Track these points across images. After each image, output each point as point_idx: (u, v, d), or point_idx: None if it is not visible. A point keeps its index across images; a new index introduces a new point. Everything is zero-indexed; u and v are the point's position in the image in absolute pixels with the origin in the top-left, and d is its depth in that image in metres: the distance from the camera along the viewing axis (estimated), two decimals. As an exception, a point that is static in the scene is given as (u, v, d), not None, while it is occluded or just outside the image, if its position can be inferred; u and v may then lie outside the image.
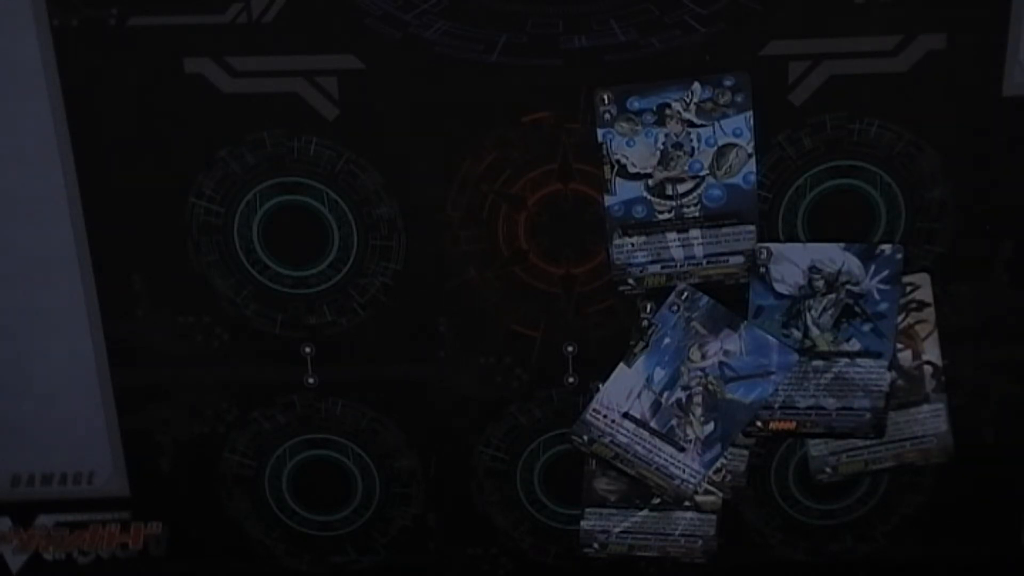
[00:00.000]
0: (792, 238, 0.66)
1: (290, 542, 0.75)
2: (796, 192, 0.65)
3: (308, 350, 0.69)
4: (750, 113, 0.63)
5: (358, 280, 0.68)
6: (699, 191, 0.64)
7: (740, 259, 0.65)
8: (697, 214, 0.65)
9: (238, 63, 0.63)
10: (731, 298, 0.66)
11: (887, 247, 0.65)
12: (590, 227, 0.66)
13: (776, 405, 0.67)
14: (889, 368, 0.66)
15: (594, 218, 0.65)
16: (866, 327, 0.65)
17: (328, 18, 0.62)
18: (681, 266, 0.66)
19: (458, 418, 0.71)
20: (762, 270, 0.65)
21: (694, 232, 0.65)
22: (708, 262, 0.65)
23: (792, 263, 0.65)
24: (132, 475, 0.73)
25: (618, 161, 0.64)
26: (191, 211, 0.66)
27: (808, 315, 0.65)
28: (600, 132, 0.63)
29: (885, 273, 0.65)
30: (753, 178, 0.64)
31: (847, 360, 0.66)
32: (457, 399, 0.70)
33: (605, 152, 0.64)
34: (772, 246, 0.65)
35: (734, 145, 0.63)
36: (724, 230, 0.65)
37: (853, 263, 0.65)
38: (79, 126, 0.64)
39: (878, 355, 0.65)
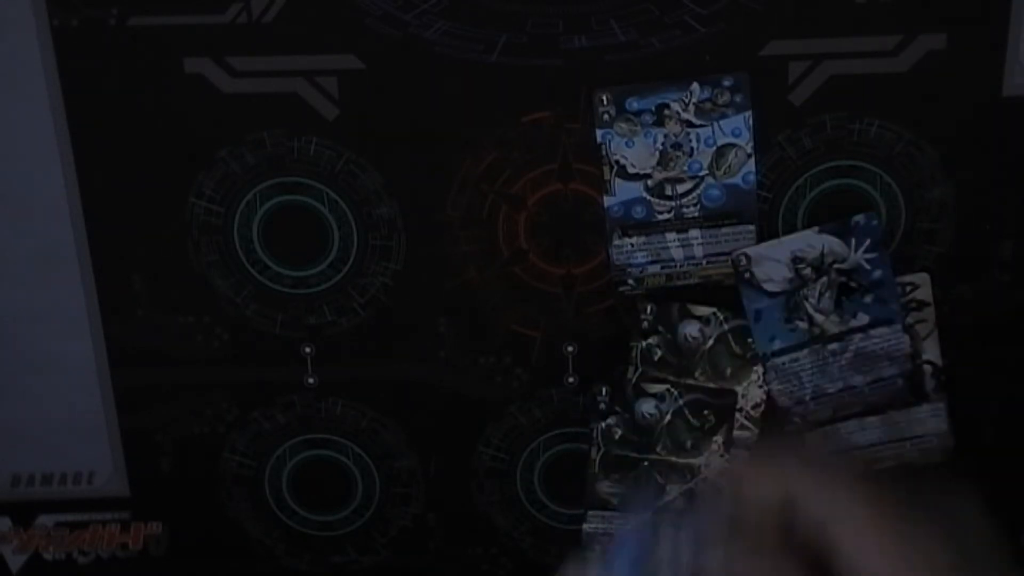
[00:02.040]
0: (792, 238, 0.66)
1: (290, 542, 0.75)
2: (796, 192, 0.65)
3: (308, 350, 0.69)
4: (749, 113, 0.63)
5: (358, 280, 0.68)
6: (698, 191, 0.64)
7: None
8: (696, 214, 0.65)
9: (238, 63, 0.63)
10: (731, 298, 0.66)
11: (860, 217, 0.64)
12: (590, 227, 0.66)
13: (807, 398, 0.67)
14: (904, 330, 0.66)
15: (594, 218, 0.65)
16: (868, 298, 0.65)
17: (328, 18, 0.62)
18: (681, 266, 0.66)
19: (458, 418, 0.71)
20: (747, 275, 0.65)
21: (693, 232, 0.65)
22: (708, 262, 0.66)
23: (774, 260, 0.65)
24: (132, 475, 0.73)
25: (617, 162, 0.64)
26: (191, 211, 0.66)
27: (807, 304, 0.65)
28: (599, 133, 0.63)
29: (867, 242, 0.64)
30: (752, 178, 0.64)
31: (861, 335, 0.65)
32: (457, 399, 0.70)
33: (604, 153, 0.64)
34: (749, 250, 0.65)
35: (733, 145, 0.63)
36: (724, 230, 0.65)
37: (833, 243, 0.65)
38: (79, 126, 0.64)
39: (889, 321, 0.65)
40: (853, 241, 0.64)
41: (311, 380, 0.70)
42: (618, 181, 0.64)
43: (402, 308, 0.68)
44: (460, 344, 0.69)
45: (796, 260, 0.65)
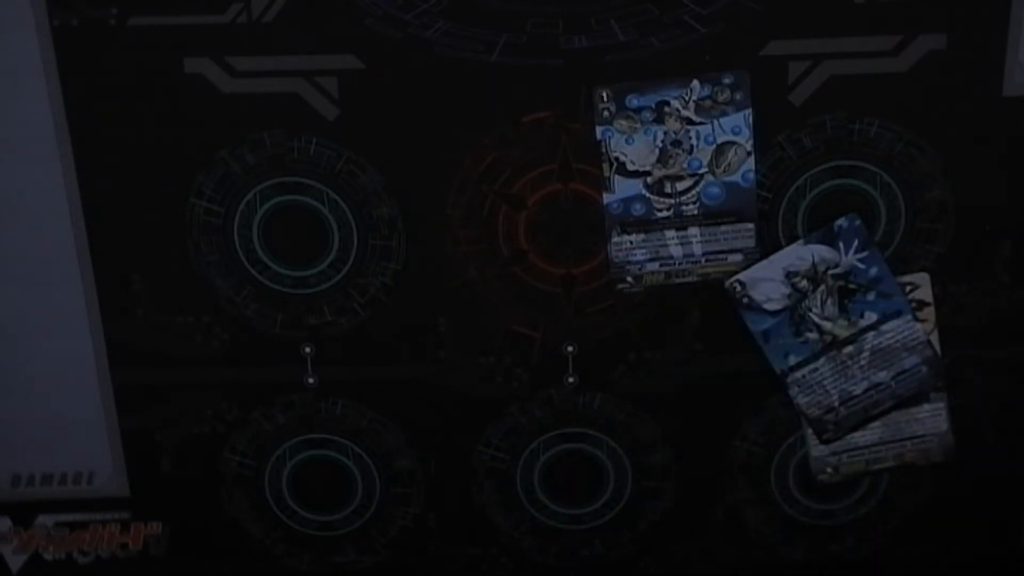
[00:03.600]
0: (792, 239, 0.66)
1: (290, 542, 0.75)
2: (796, 192, 0.65)
3: (308, 350, 0.69)
4: (749, 111, 0.63)
5: (358, 280, 0.68)
6: (698, 189, 0.64)
7: (739, 257, 0.65)
8: (696, 212, 0.65)
9: (238, 63, 0.63)
10: (731, 302, 0.66)
11: (841, 221, 0.64)
12: (590, 227, 0.66)
13: (836, 404, 0.67)
14: (915, 319, 0.65)
15: (594, 218, 0.65)
16: (870, 296, 0.65)
17: (328, 18, 0.62)
18: (680, 264, 0.66)
19: (458, 418, 0.71)
20: (745, 300, 0.65)
21: (693, 230, 0.65)
22: (707, 260, 0.65)
23: (768, 280, 0.65)
24: (132, 475, 0.73)
25: (617, 159, 0.64)
26: (191, 211, 0.66)
27: (812, 315, 0.65)
28: (599, 130, 0.63)
29: (855, 243, 0.64)
30: (752, 176, 0.64)
31: (873, 332, 0.65)
32: (457, 399, 0.70)
33: (604, 150, 0.64)
34: (742, 276, 0.65)
35: (733, 143, 0.63)
36: (723, 228, 0.65)
37: (822, 251, 0.65)
38: (79, 126, 0.64)
39: (898, 313, 0.65)
40: (841, 245, 0.64)
41: (311, 380, 0.70)
42: (618, 178, 0.64)
43: (402, 308, 0.68)
44: (460, 344, 0.69)
45: (790, 275, 0.65)
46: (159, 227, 0.67)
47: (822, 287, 0.65)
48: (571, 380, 0.70)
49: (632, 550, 0.75)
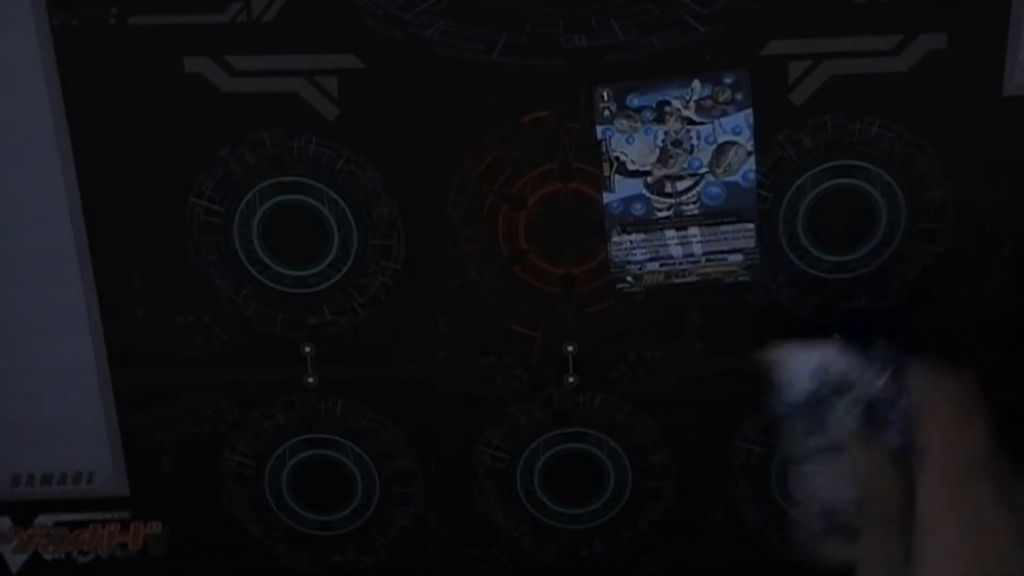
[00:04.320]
0: (792, 238, 0.66)
1: (290, 542, 0.75)
2: (796, 192, 0.65)
3: (308, 350, 0.69)
4: (750, 111, 0.63)
5: (358, 280, 0.68)
6: (698, 189, 0.64)
7: (739, 257, 0.66)
8: (696, 212, 0.65)
9: (238, 63, 0.63)
10: (728, 299, 0.66)
11: (873, 351, 0.61)
12: (590, 227, 0.66)
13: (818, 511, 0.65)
14: None
15: (594, 218, 0.65)
16: (892, 431, 0.61)
17: (328, 18, 0.62)
18: (680, 264, 0.66)
19: (458, 418, 0.71)
20: (777, 379, 0.62)
21: (693, 230, 0.65)
22: (707, 260, 0.66)
23: (797, 372, 0.62)
24: (132, 475, 0.73)
25: (617, 158, 0.64)
26: (191, 211, 0.66)
27: (829, 420, 0.62)
28: (599, 129, 0.63)
29: (886, 373, 0.60)
30: (752, 176, 0.64)
31: None
32: (457, 399, 0.70)
33: (604, 149, 0.64)
34: (777, 356, 0.62)
35: (733, 143, 0.63)
36: (723, 228, 0.65)
37: (852, 367, 0.60)
38: (79, 126, 0.64)
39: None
40: (872, 371, 0.61)
41: (311, 380, 0.70)
42: (618, 178, 0.64)
43: (402, 308, 0.68)
44: (460, 344, 0.69)
45: (817, 375, 0.61)
46: (159, 227, 0.67)
47: (847, 398, 0.62)
48: (571, 380, 0.70)
49: (632, 550, 0.75)
